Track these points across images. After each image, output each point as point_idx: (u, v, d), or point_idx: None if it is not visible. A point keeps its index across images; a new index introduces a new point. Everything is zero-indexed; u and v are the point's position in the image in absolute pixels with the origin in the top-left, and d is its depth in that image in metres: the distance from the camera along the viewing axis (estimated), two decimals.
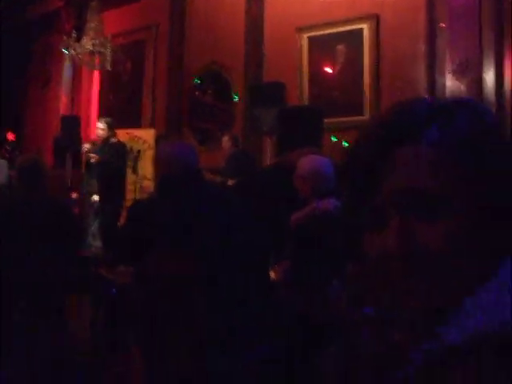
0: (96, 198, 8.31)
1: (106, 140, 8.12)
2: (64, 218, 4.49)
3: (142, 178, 8.90)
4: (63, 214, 4.56)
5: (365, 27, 7.90)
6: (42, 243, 4.02)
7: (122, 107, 11.04)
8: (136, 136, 9.78)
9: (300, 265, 3.62)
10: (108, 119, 8.24)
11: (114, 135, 8.26)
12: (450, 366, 0.78)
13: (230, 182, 7.30)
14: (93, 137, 11.08)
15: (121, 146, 8.27)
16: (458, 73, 7.12)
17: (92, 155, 7.89)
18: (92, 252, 7.58)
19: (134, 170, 8.65)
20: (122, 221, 7.80)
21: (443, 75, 7.28)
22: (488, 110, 0.92)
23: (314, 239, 3.55)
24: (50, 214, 4.34)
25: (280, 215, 3.94)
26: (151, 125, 10.44)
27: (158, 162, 3.30)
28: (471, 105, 0.90)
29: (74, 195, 9.01)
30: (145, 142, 9.81)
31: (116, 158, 7.98)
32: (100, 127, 8.15)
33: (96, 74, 11.37)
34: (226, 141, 8.14)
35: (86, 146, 8.24)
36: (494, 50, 6.97)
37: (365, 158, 0.89)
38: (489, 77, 6.98)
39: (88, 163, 8.27)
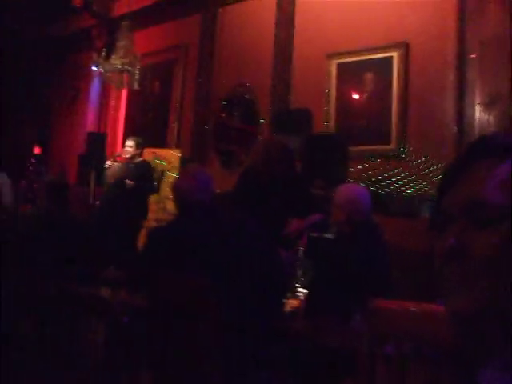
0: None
1: (131, 158, 8.11)
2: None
3: (165, 198, 8.88)
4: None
5: (394, 55, 7.84)
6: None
7: (148, 126, 11.07)
8: (160, 156, 9.80)
9: (321, 294, 3.55)
10: (137, 138, 8.24)
11: (141, 154, 8.25)
12: None
13: None
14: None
15: (147, 165, 8.25)
16: (487, 105, 7.03)
17: (128, 181, 7.86)
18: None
19: (157, 190, 8.62)
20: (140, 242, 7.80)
21: (472, 106, 7.18)
22: None
23: (337, 268, 3.50)
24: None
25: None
26: (176, 145, 10.46)
27: (174, 188, 3.28)
28: None
29: None
30: (169, 162, 9.82)
31: (141, 177, 7.97)
32: (129, 145, 8.15)
33: (124, 93, 11.44)
34: None
35: (109, 163, 8.24)
36: None
37: (450, 173, 1.02)
38: None
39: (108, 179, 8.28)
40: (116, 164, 8.21)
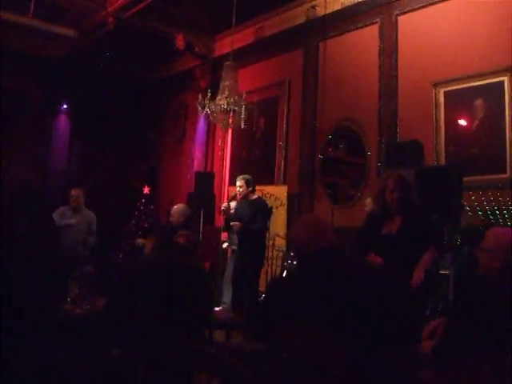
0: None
1: (245, 197, 8.16)
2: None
3: (275, 235, 8.88)
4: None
5: (505, 79, 7.56)
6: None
7: (254, 163, 11.19)
8: (268, 193, 9.85)
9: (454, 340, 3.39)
10: (246, 176, 8.27)
11: (254, 192, 8.28)
12: None
13: None
14: (225, 193, 11.29)
15: (261, 202, 8.26)
16: None
17: (234, 224, 7.92)
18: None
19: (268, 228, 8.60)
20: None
21: None
22: None
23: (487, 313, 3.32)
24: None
25: None
26: (284, 181, 10.49)
27: (291, 239, 3.24)
28: None
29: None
30: (277, 198, 9.85)
31: (257, 215, 7.99)
32: (238, 184, 8.21)
33: (230, 130, 11.60)
34: (368, 203, 7.94)
35: (225, 205, 8.30)
36: None
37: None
38: None
39: (227, 221, 8.33)
40: (232, 204, 8.27)
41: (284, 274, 8.56)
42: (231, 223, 7.96)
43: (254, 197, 8.26)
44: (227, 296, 8.34)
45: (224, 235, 8.97)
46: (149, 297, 4.12)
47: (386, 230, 4.49)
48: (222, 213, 8.27)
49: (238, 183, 8.22)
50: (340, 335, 2.79)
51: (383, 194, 4.53)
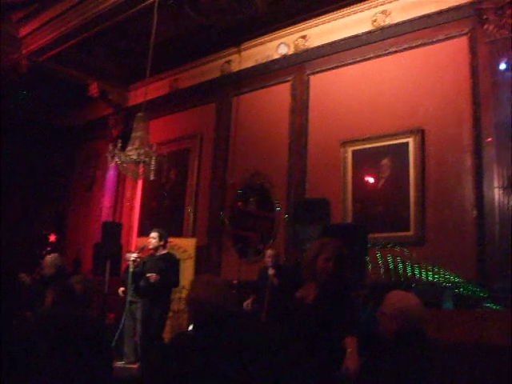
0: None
1: (155, 250, 8.05)
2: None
3: (182, 288, 8.76)
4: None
5: (410, 141, 7.84)
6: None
7: (164, 215, 11.09)
8: (176, 245, 9.73)
9: None
10: (161, 230, 8.19)
11: (165, 246, 8.19)
12: None
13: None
14: (134, 244, 11.09)
15: (171, 257, 8.16)
16: (506, 187, 6.95)
17: (151, 275, 7.76)
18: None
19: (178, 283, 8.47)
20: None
21: (491, 190, 7.10)
22: None
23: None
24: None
25: None
26: (192, 234, 10.41)
27: (190, 301, 3.14)
28: None
29: None
30: (185, 251, 9.75)
31: (170, 270, 7.87)
32: (152, 236, 8.10)
33: (140, 181, 11.48)
34: (269, 255, 7.97)
35: (133, 256, 8.15)
36: None
37: None
38: None
39: (133, 272, 8.15)
40: (141, 258, 8.13)
41: (190, 328, 8.43)
42: (148, 274, 7.79)
43: (164, 251, 8.16)
44: (129, 349, 8.16)
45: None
46: (45, 352, 3.95)
47: (300, 294, 4.22)
48: (131, 264, 8.09)
49: (151, 235, 8.12)
50: None
51: (316, 261, 4.22)
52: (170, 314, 8.60)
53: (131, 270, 8.04)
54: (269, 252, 8.04)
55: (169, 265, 7.96)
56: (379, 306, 3.56)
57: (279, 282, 7.34)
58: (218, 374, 2.77)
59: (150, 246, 8.10)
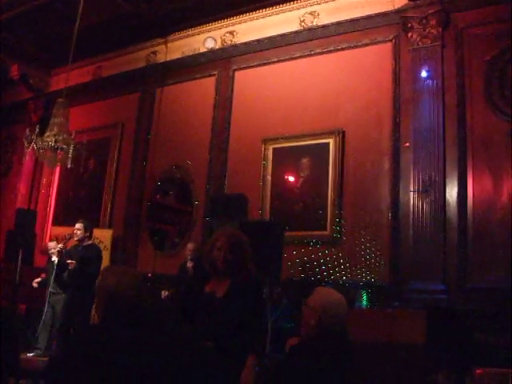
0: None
1: (80, 241, 7.87)
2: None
3: None
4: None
5: (330, 141, 7.94)
6: None
7: (80, 204, 10.86)
8: (93, 235, 9.54)
9: None
10: (86, 221, 8.01)
11: (90, 238, 8.03)
12: None
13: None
14: (48, 233, 10.84)
15: (94, 248, 8.01)
16: (422, 191, 7.12)
17: (70, 261, 7.58)
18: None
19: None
20: None
21: (407, 193, 7.27)
22: None
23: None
24: None
25: None
26: (109, 225, 10.25)
27: (99, 290, 3.04)
28: None
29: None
30: (101, 242, 9.57)
31: (92, 261, 7.72)
32: (77, 227, 7.91)
33: (57, 169, 11.21)
34: (189, 248, 7.95)
35: (59, 246, 7.95)
36: (457, 171, 7.02)
37: None
38: (452, 197, 6.99)
39: (52, 262, 7.95)
40: (65, 248, 7.95)
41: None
42: (68, 261, 7.62)
43: (89, 242, 8.01)
44: (43, 341, 7.97)
45: (42, 275, 8.58)
46: None
47: (210, 288, 4.14)
48: (55, 254, 7.89)
49: (76, 226, 7.94)
50: None
51: (212, 251, 4.18)
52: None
53: (54, 259, 7.87)
54: (189, 245, 8.05)
55: (90, 255, 7.82)
56: (293, 303, 3.59)
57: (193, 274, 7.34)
58: (122, 370, 2.70)
59: (75, 238, 7.94)
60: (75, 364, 2.74)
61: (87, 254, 7.82)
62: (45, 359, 7.75)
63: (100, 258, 8.01)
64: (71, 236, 8.05)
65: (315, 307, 3.41)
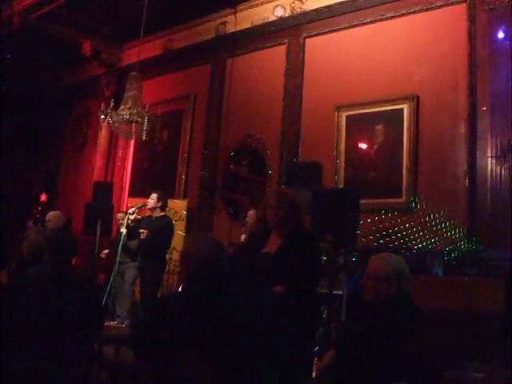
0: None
1: (151, 210, 8.03)
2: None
3: (172, 249, 8.75)
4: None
5: (405, 107, 7.79)
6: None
7: (155, 176, 11.05)
8: (168, 206, 9.69)
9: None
10: (160, 192, 8.14)
11: (163, 209, 8.16)
12: None
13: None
14: (125, 205, 11.07)
15: (168, 220, 8.15)
16: (499, 157, 6.94)
17: (142, 230, 7.76)
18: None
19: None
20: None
21: (484, 159, 7.09)
22: None
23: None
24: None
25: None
26: (184, 196, 10.39)
27: (183, 256, 3.11)
28: None
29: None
30: (176, 212, 9.72)
31: (163, 232, 7.87)
32: (152, 197, 8.06)
33: (132, 142, 11.42)
34: (251, 214, 7.99)
35: (120, 216, 8.14)
36: None
37: None
38: None
39: (120, 232, 8.14)
40: (137, 217, 8.11)
41: (180, 289, 8.45)
42: (140, 230, 7.79)
43: (161, 214, 8.14)
44: (121, 310, 8.18)
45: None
46: (35, 309, 3.93)
47: (268, 247, 4.21)
48: (125, 222, 8.07)
49: (151, 195, 8.10)
50: (217, 356, 2.72)
51: (266, 211, 4.31)
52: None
53: (122, 230, 8.03)
54: (251, 211, 8.05)
55: (162, 226, 7.96)
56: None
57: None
58: (205, 337, 2.76)
59: (148, 206, 8.08)
60: (163, 326, 2.83)
61: (159, 224, 7.95)
62: (123, 326, 8.00)
63: (171, 229, 8.14)
64: (144, 204, 8.19)
65: (375, 276, 3.40)
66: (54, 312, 3.85)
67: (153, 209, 8.05)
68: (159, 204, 8.07)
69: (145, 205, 8.17)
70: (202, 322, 2.77)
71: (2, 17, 11.15)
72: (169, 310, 2.92)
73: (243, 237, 7.72)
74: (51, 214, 7.35)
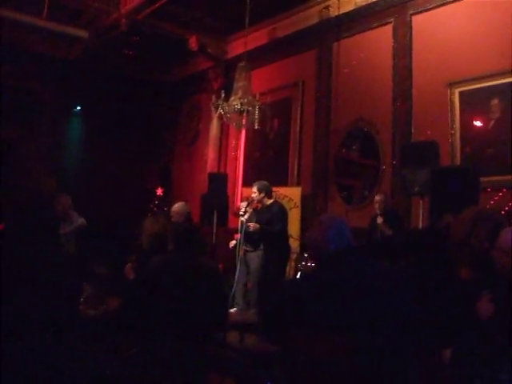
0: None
1: (260, 203, 8.17)
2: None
3: (288, 236, 8.83)
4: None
5: None
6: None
7: (268, 165, 11.19)
8: (282, 194, 9.79)
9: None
10: (259, 184, 8.24)
11: (270, 197, 8.27)
12: None
13: None
14: (239, 195, 11.27)
15: (278, 206, 8.25)
16: None
17: (249, 224, 7.92)
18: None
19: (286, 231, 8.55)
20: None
21: None
22: None
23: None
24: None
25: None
26: (297, 183, 10.46)
27: (308, 240, 3.19)
28: None
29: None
30: (291, 200, 9.81)
31: (275, 219, 7.99)
32: (253, 191, 8.20)
33: (243, 132, 11.59)
34: (377, 201, 7.98)
35: (243, 205, 8.30)
36: None
37: None
38: None
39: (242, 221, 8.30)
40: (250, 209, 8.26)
41: (298, 276, 8.53)
42: (248, 224, 7.95)
43: (270, 201, 8.24)
44: (239, 297, 8.34)
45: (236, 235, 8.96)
46: (166, 297, 4.08)
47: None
48: (241, 214, 8.24)
49: (253, 189, 8.24)
50: (355, 337, 2.75)
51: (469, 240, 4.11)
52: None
53: (242, 219, 8.19)
54: (376, 198, 8.06)
55: (273, 213, 8.06)
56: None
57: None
58: (342, 311, 2.80)
59: (254, 200, 8.22)
60: (296, 309, 2.90)
61: (270, 212, 8.06)
62: (244, 311, 8.16)
63: (283, 213, 8.22)
64: (251, 200, 8.31)
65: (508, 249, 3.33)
66: (186, 299, 4.00)
67: (259, 201, 8.18)
68: (262, 194, 8.18)
69: (252, 201, 8.30)
70: (337, 302, 2.81)
71: (110, 20, 11.56)
72: (300, 292, 2.99)
73: (380, 219, 7.82)
74: (174, 208, 7.51)
